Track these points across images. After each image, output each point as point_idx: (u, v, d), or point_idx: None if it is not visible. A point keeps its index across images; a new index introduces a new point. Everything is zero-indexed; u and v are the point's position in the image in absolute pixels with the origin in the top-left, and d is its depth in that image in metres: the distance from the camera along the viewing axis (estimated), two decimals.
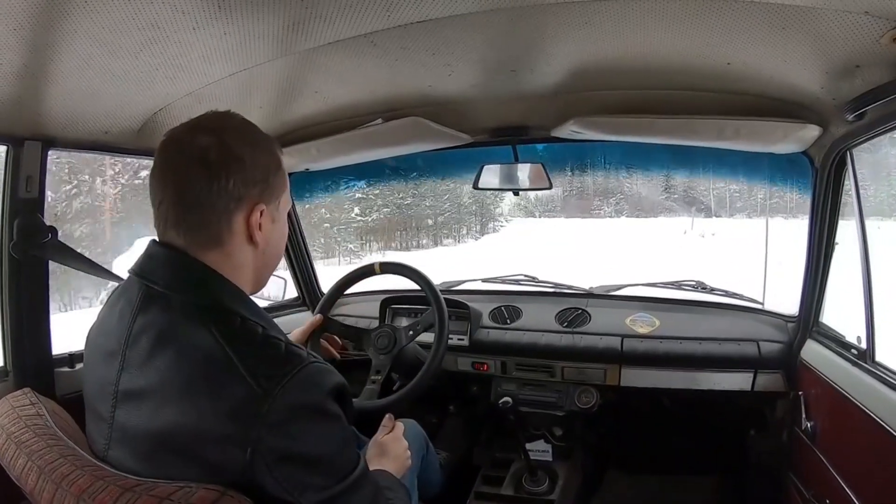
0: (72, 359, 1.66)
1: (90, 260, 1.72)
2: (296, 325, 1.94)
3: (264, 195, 1.09)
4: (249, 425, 0.91)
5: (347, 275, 2.27)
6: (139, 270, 1.07)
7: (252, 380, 0.93)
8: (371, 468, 1.26)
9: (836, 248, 1.93)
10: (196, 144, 1.04)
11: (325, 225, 15.50)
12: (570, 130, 2.02)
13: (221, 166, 1.04)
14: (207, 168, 1.03)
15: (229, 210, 1.06)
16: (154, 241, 1.08)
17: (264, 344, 1.00)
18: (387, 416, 1.65)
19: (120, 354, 1.03)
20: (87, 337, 1.15)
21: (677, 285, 2.58)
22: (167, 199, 1.05)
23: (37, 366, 1.55)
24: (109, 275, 1.76)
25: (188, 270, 1.05)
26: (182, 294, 1.02)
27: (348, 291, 2.33)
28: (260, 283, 1.18)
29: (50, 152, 1.56)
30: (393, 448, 1.54)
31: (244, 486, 0.92)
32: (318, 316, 2.05)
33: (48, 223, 1.56)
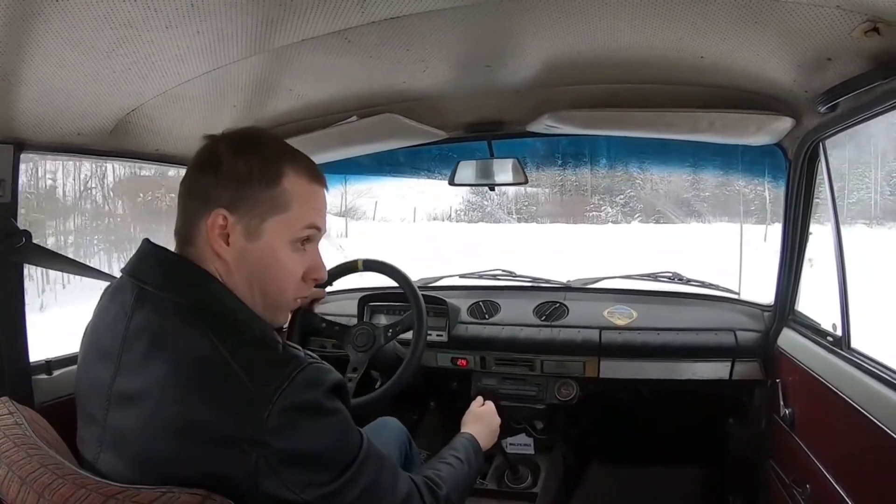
0: (49, 366, 1.62)
1: (70, 259, 1.71)
2: None
3: (235, 204, 1.04)
4: (251, 430, 0.90)
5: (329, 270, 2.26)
6: (131, 270, 1.06)
7: (251, 383, 0.92)
8: (463, 430, 1.63)
9: (810, 237, 1.96)
10: (201, 149, 1.08)
11: None
12: (545, 125, 2.03)
13: (199, 166, 1.06)
14: (193, 168, 1.06)
15: (197, 210, 1.05)
16: (147, 240, 1.07)
17: (261, 345, 0.99)
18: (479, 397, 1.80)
19: (116, 356, 1.01)
20: (83, 337, 1.14)
21: (654, 277, 2.60)
22: None
23: (14, 374, 1.52)
24: (93, 272, 1.73)
25: (179, 271, 1.04)
26: (174, 295, 1.01)
27: (327, 289, 2.33)
28: (260, 308, 1.09)
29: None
30: (487, 415, 1.74)
31: (239, 489, 0.91)
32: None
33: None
